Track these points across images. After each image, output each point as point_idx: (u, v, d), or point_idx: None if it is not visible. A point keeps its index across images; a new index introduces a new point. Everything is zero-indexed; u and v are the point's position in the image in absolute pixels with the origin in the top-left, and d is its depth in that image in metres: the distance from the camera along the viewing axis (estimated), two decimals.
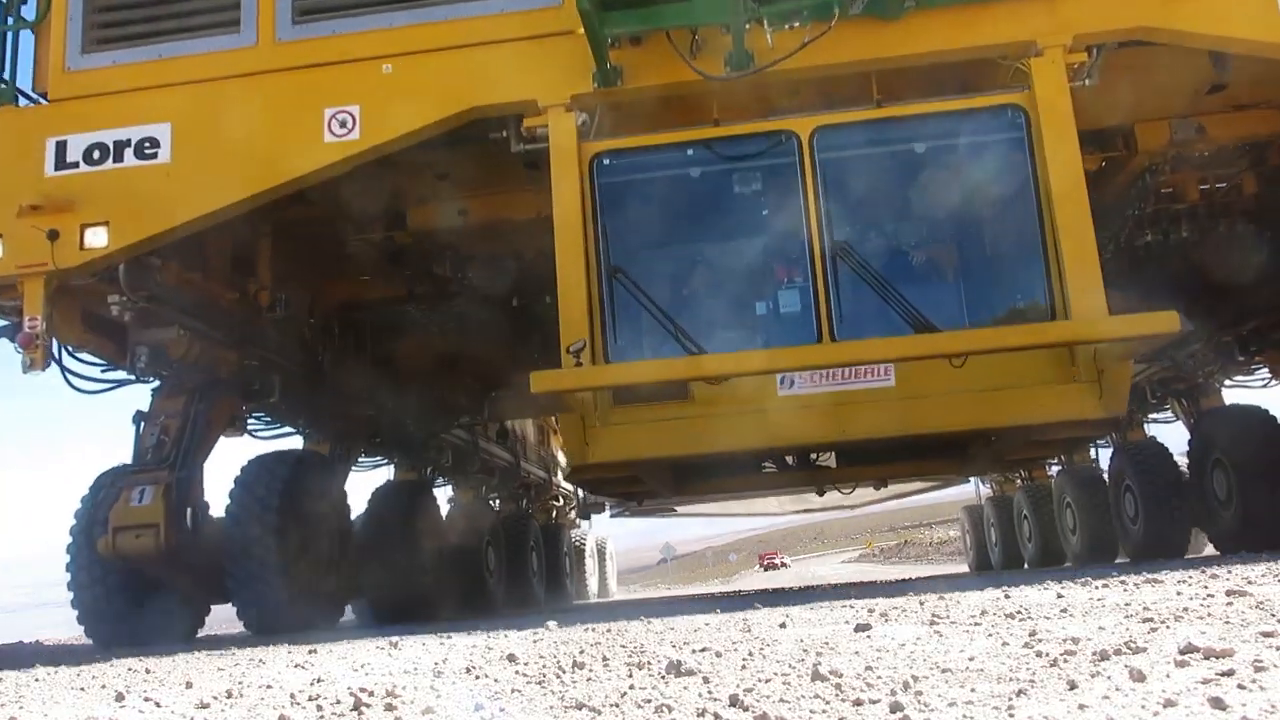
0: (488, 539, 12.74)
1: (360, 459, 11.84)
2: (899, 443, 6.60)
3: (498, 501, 15.93)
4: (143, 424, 8.09)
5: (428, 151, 8.35)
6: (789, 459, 8.58)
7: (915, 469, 10.29)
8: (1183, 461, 11.73)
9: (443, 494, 14.35)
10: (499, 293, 9.72)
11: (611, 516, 17.11)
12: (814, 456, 8.55)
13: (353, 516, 10.00)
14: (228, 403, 8.59)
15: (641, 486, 8.31)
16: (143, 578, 7.77)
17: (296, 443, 10.47)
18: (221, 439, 9.51)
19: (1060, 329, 5.97)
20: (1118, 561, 13.33)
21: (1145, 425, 14.36)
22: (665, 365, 6.06)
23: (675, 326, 6.30)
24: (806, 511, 18.89)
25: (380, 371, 10.78)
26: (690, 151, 6.68)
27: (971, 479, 23.73)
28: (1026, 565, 17.41)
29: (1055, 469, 18.01)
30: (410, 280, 10.08)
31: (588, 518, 18.85)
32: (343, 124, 6.73)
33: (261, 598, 7.80)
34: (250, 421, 9.87)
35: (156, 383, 8.39)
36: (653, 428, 6.38)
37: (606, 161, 6.64)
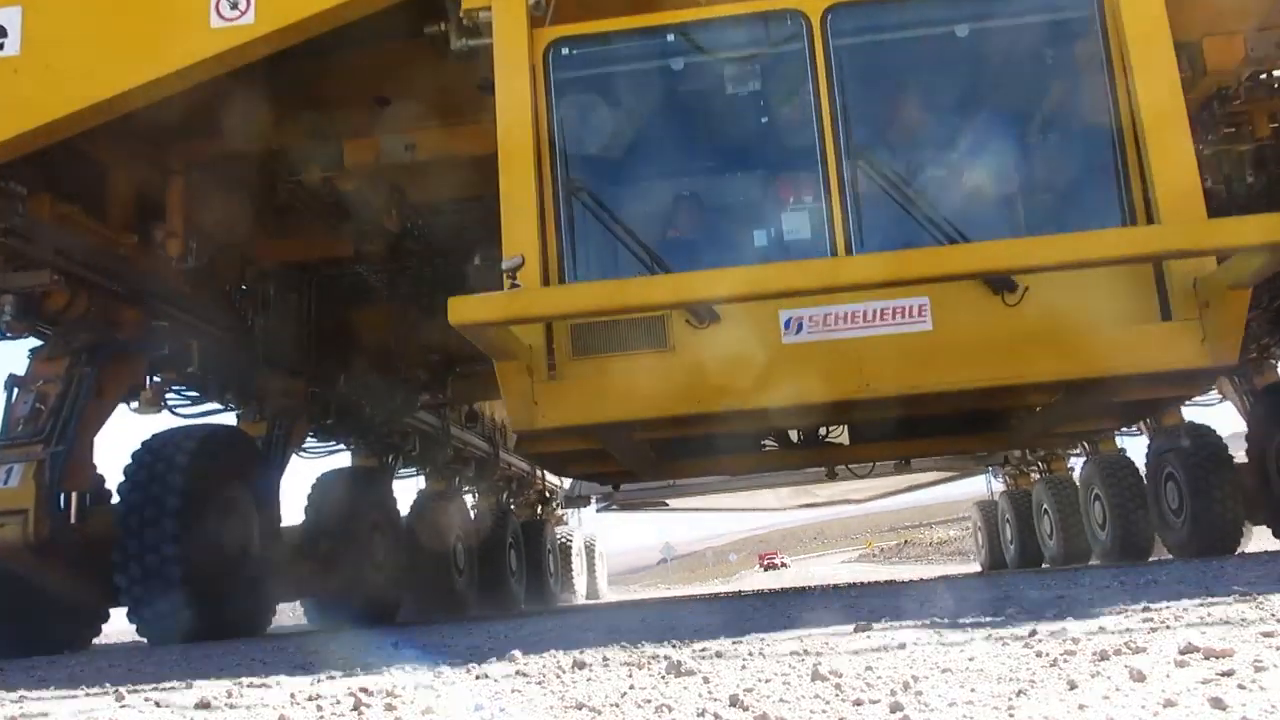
0: (457, 534, 11.25)
1: (308, 443, 10.35)
2: (931, 399, 5.04)
3: (474, 494, 14.45)
4: (15, 390, 6.61)
5: (359, 62, 6.89)
6: (794, 434, 7.10)
7: (942, 445, 8.67)
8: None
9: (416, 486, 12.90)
10: (458, 248, 8.24)
11: (597, 511, 15.67)
12: (823, 432, 7.07)
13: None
14: (125, 369, 7.11)
15: (613, 466, 6.80)
16: (12, 577, 6.29)
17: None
18: (142, 417, 8.10)
19: (1158, 234, 4.45)
20: (1152, 560, 11.95)
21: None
22: (625, 288, 4.53)
23: (647, 251, 4.82)
24: (809, 506, 17.37)
25: (327, 343, 9.32)
26: (670, 38, 5.19)
27: (984, 473, 22.40)
28: (1047, 564, 15.93)
29: (1079, 459, 16.63)
30: (357, 236, 8.60)
31: (577, 509, 17.37)
32: (233, 4, 5.27)
33: (152, 598, 6.33)
34: (171, 396, 8.39)
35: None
36: (622, 384, 4.90)
37: (566, 51, 5.16)
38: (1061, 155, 5.27)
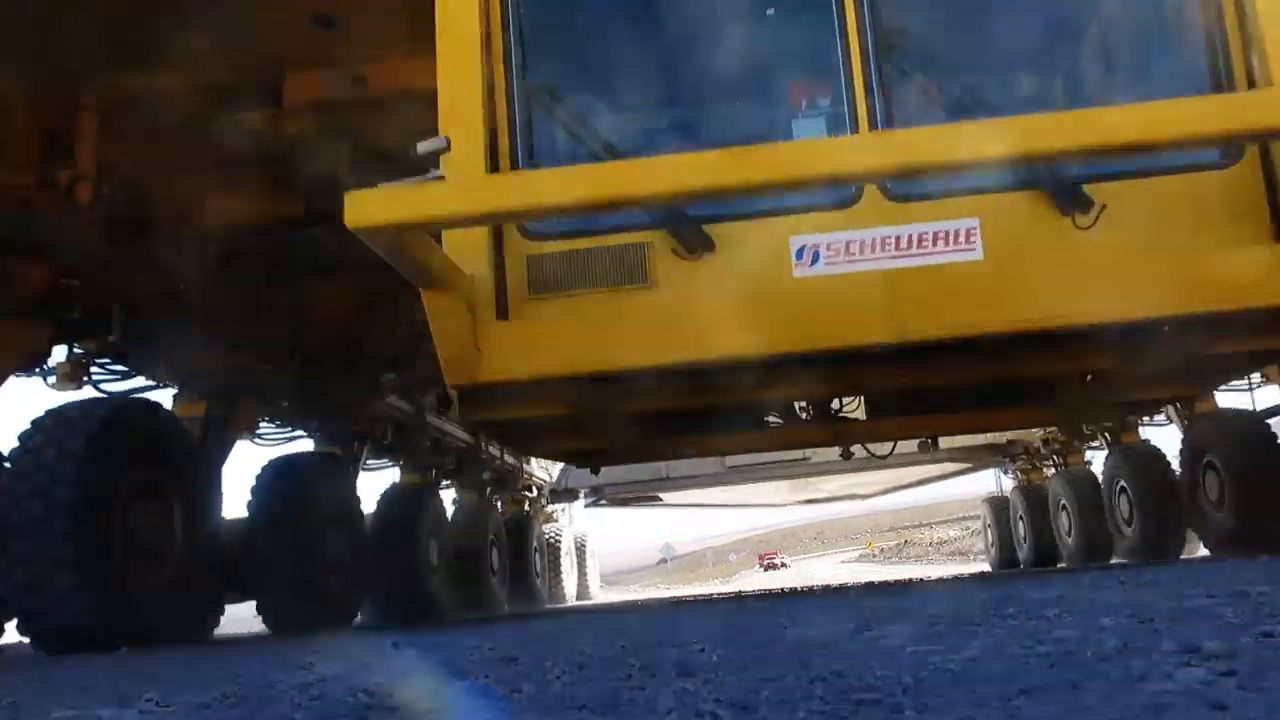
0: (429, 530, 10.17)
1: (265, 429, 9.28)
2: (978, 342, 3.90)
3: (457, 489, 13.36)
4: None
5: None
6: (800, 408, 6.02)
7: (977, 420, 7.45)
8: None
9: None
10: None
11: (586, 506, 14.61)
12: (836, 406, 5.99)
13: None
14: (15, 335, 6.02)
15: (586, 443, 5.69)
16: None
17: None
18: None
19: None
20: (1185, 557, 10.91)
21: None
22: (599, 175, 3.37)
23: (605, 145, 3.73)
24: (811, 502, 16.28)
25: (277, 314, 8.24)
26: None
27: (993, 469, 21.30)
28: (1065, 563, 14.85)
29: (1100, 453, 15.56)
30: (308, 191, 7.49)
31: (566, 504, 16.30)
32: None
33: (42, 607, 5.26)
34: (97, 371, 7.31)
35: None
36: (590, 328, 3.81)
37: None
38: (1137, 30, 4.17)
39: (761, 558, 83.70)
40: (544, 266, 3.88)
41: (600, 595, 18.75)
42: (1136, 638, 2.38)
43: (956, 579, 10.07)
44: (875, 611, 4.18)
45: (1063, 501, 14.63)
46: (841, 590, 8.96)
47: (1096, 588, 4.80)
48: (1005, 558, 18.49)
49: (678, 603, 10.12)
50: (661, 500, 12.94)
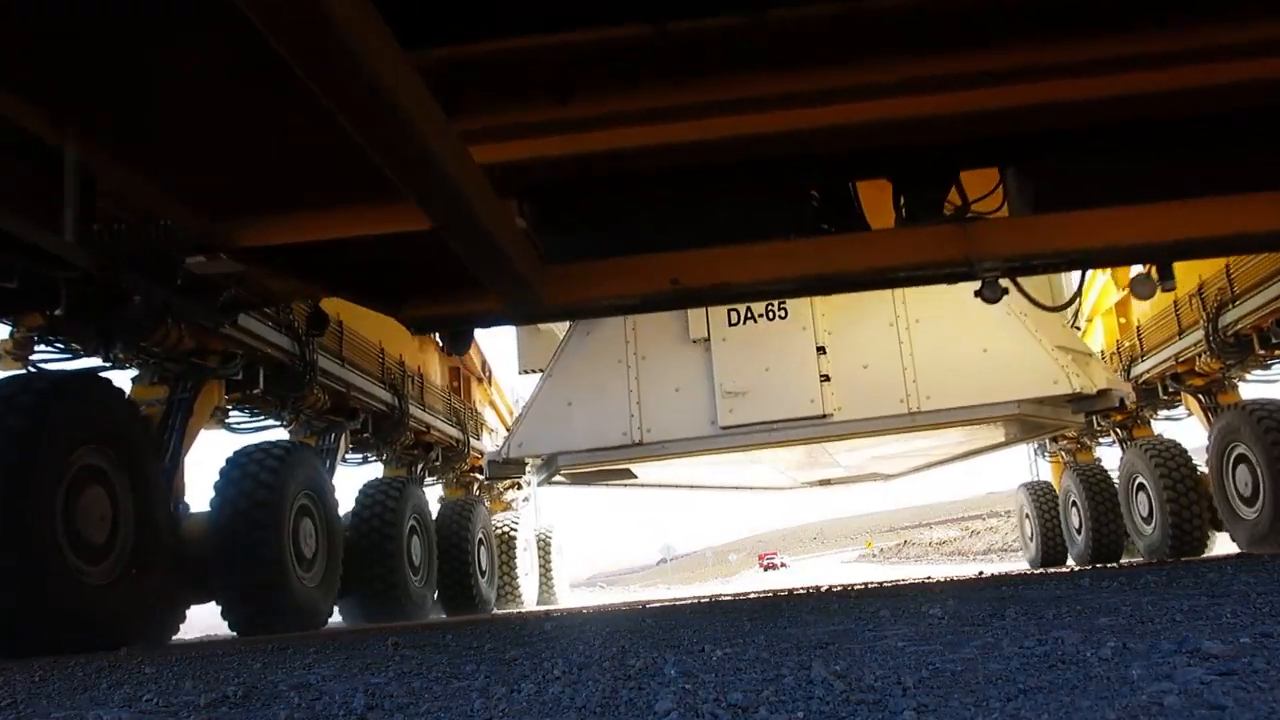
0: (296, 506, 6.90)
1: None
2: None
3: (377, 462, 10.07)
4: None
5: None
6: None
7: (1189, 218, 3.96)
8: None
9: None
10: None
11: (538, 484, 11.42)
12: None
13: None
14: None
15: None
16: None
17: None
18: None
19: None
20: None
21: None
22: None
23: None
24: (824, 484, 12.90)
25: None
26: None
27: (1028, 448, 17.98)
28: (1143, 557, 11.54)
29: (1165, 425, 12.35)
30: None
31: (508, 479, 13.08)
32: None
33: None
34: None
35: None
36: None
37: None
38: None
39: (761, 558, 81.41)
40: None
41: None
42: (1137, 637, 2.34)
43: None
44: (875, 610, 4.10)
45: (1141, 480, 11.35)
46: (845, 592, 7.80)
47: (1097, 588, 4.70)
48: (1050, 553, 15.16)
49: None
50: (635, 478, 9.58)
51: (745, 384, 8.27)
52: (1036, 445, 17.47)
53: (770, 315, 8.37)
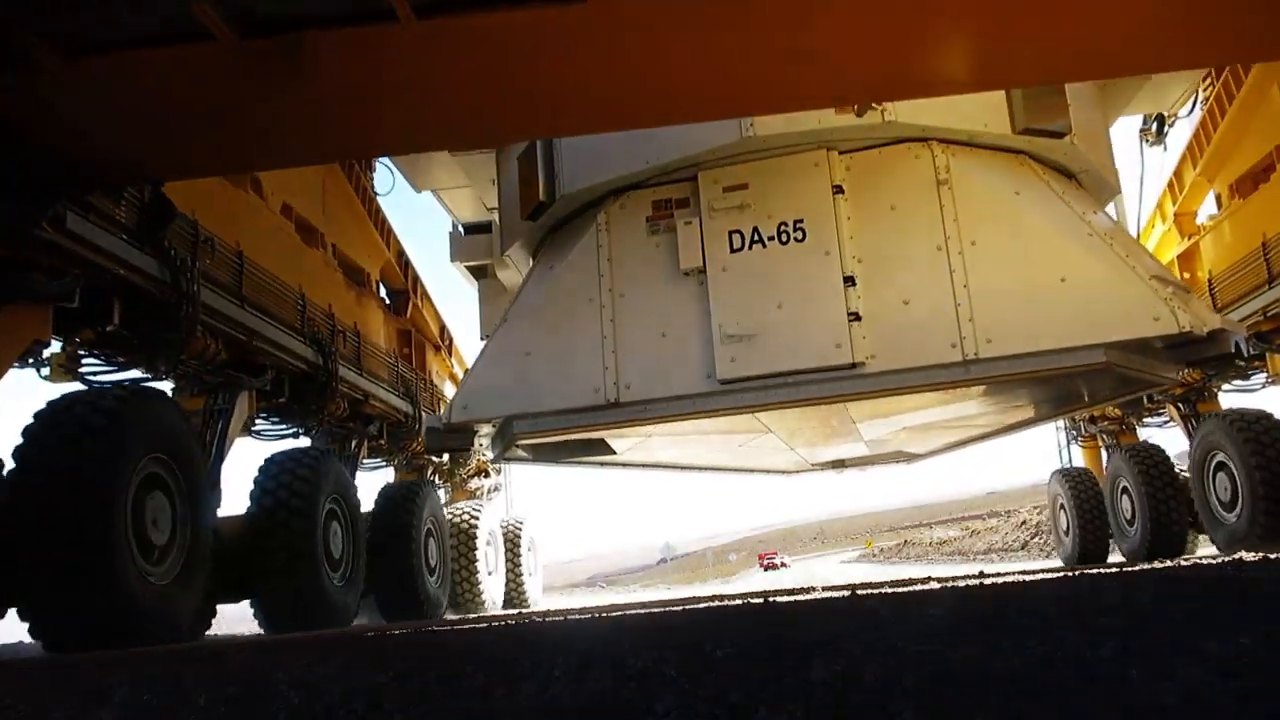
0: (136, 478, 4.95)
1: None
2: None
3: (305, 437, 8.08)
4: None
5: None
6: None
7: None
8: None
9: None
10: None
11: (493, 461, 9.49)
12: None
13: None
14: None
15: None
16: None
17: None
18: None
19: None
20: None
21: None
22: None
23: None
24: (837, 467, 10.85)
25: None
26: None
27: (1057, 433, 16.01)
28: (1222, 549, 9.53)
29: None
30: None
31: (493, 481, 11.11)
32: None
33: None
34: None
35: None
36: None
37: None
38: None
39: (761, 557, 79.55)
40: None
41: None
42: (1137, 637, 2.24)
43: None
44: (876, 610, 3.84)
45: (1220, 458, 9.33)
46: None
47: (1097, 587, 4.36)
48: (1090, 549, 13.14)
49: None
50: (613, 453, 7.58)
51: (751, 326, 6.28)
52: (1069, 426, 15.50)
53: (784, 237, 6.39)
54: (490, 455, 7.56)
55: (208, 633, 6.48)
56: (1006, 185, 6.52)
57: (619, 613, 5.66)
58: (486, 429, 6.93)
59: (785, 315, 6.27)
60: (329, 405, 7.70)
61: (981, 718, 1.58)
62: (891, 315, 6.24)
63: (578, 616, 5.36)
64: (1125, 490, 11.98)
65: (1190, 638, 2.12)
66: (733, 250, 6.41)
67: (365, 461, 9.19)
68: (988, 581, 6.20)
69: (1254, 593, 3.37)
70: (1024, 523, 38.81)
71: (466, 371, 7.37)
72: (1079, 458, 15.69)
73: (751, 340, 6.27)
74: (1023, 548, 32.18)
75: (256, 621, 6.86)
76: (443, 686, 2.27)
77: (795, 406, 6.40)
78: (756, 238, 6.41)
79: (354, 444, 8.09)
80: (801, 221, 6.38)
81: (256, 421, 7.59)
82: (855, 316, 6.21)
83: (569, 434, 6.71)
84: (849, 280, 6.25)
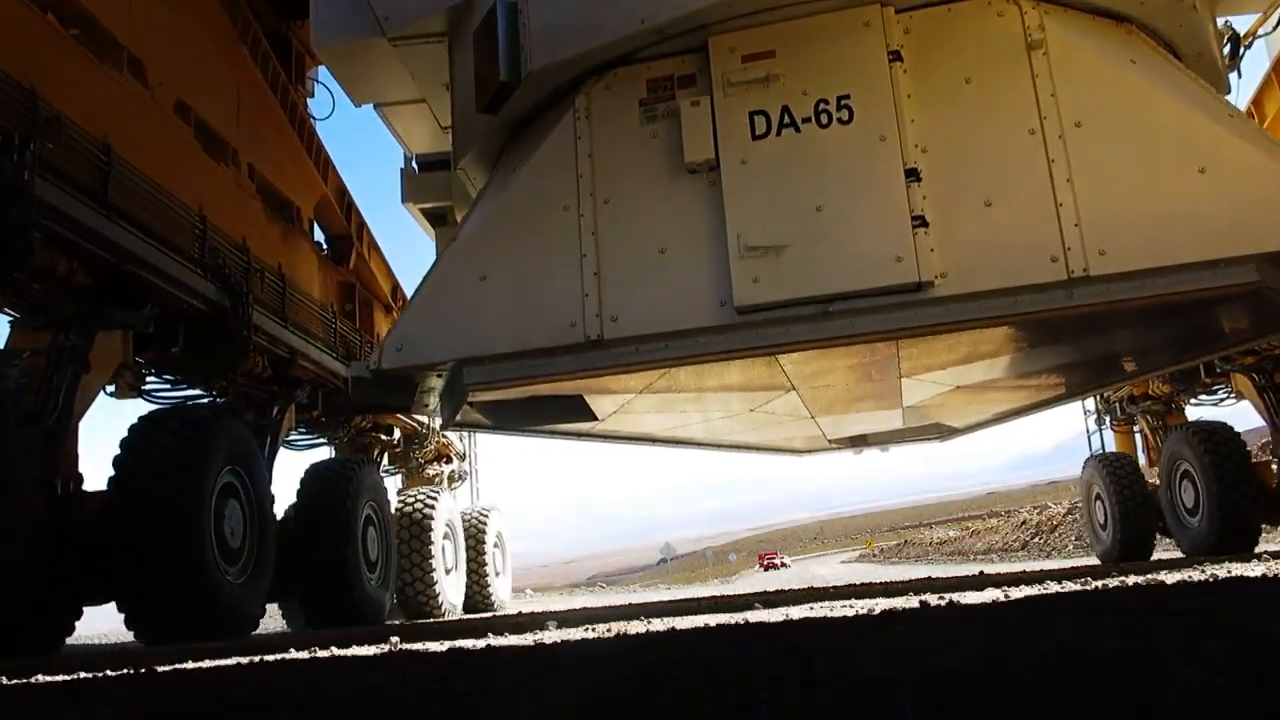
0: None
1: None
2: None
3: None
4: None
5: None
6: None
7: None
8: None
9: None
10: None
11: (444, 428, 7.84)
12: None
13: None
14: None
15: None
16: None
17: None
18: None
19: None
20: None
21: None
22: None
23: None
24: (857, 446, 9.14)
25: None
26: None
27: (1086, 416, 14.37)
28: None
29: None
30: None
31: (453, 464, 9.40)
32: None
33: None
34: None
35: None
36: None
37: None
38: None
39: (761, 557, 78.31)
40: None
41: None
42: (1136, 637, 2.24)
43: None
44: (875, 610, 3.75)
45: None
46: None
47: (1097, 588, 4.27)
48: (1133, 543, 11.41)
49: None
50: (595, 419, 5.85)
51: (780, 235, 4.59)
52: (1101, 407, 13.80)
53: (824, 119, 4.69)
54: (440, 420, 5.85)
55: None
56: (1119, 52, 4.83)
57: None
58: (432, 381, 5.22)
59: (826, 220, 4.58)
60: (242, 360, 5.99)
61: None
62: (969, 220, 4.55)
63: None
64: (1187, 475, 10.28)
65: None
66: (755, 137, 4.72)
67: (299, 440, 7.50)
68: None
69: None
70: (1024, 523, 37.97)
71: (405, 303, 5.67)
72: (1110, 443, 13.98)
73: (780, 255, 4.57)
74: (1023, 548, 31.35)
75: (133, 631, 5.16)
76: None
77: (842, 344, 4.68)
78: (787, 120, 4.72)
79: (275, 411, 6.39)
80: (847, 98, 4.68)
81: (148, 380, 5.90)
82: (920, 221, 4.52)
83: (535, 385, 5.00)
84: (912, 174, 4.56)
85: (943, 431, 8.84)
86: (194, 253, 5.63)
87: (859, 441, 9.25)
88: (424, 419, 8.88)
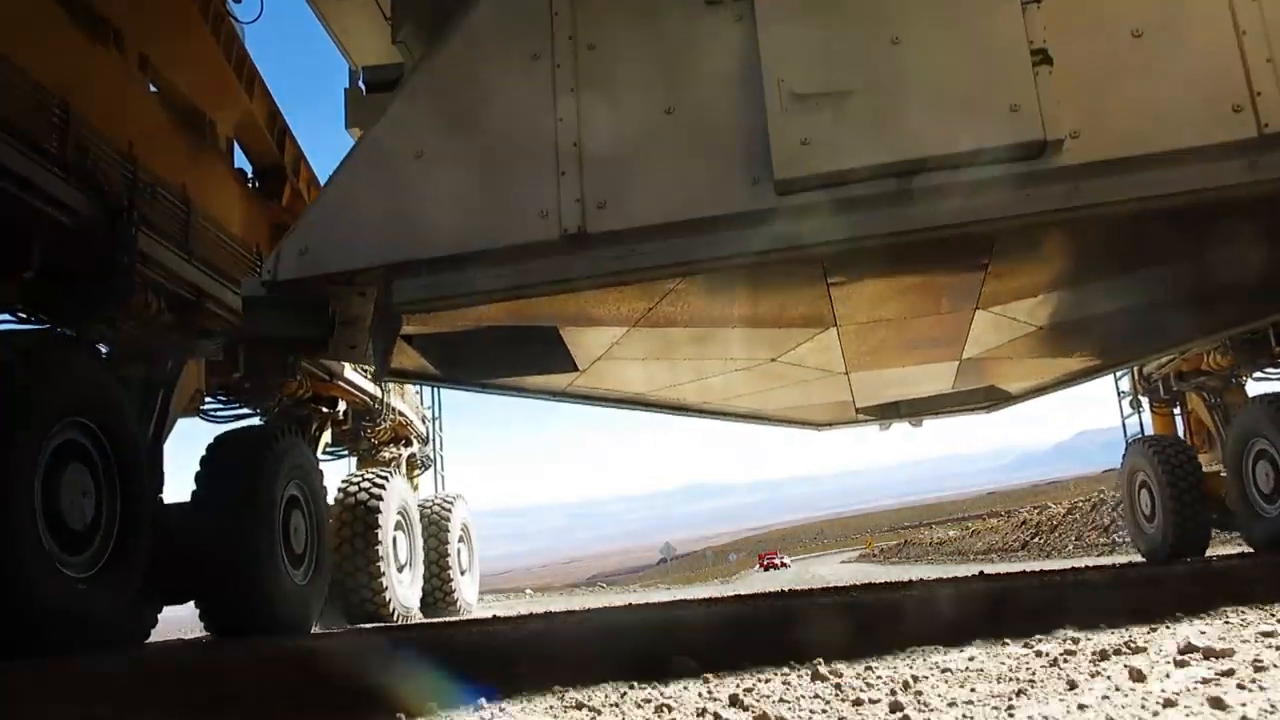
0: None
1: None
2: None
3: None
4: None
5: None
6: None
7: None
8: None
9: None
10: None
11: (378, 377, 6.42)
12: None
13: None
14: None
15: None
16: None
17: None
18: None
19: None
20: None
21: None
22: None
23: None
24: (884, 420, 7.66)
25: None
26: None
27: (1118, 397, 12.82)
28: None
29: None
30: None
31: (414, 447, 7.96)
32: None
33: None
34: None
35: None
36: None
37: None
38: None
39: (761, 557, 77.27)
40: None
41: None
42: (1136, 637, 2.23)
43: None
44: (875, 610, 3.88)
45: None
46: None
47: (1096, 588, 4.45)
48: (1187, 536, 9.95)
49: None
50: (574, 368, 4.42)
51: (838, 80, 3.16)
52: (1141, 386, 12.26)
53: None
54: (372, 364, 4.39)
55: None
56: None
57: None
58: (356, 305, 3.76)
59: (904, 58, 3.14)
60: (125, 297, 4.54)
61: None
62: (1111, 59, 3.12)
63: None
64: (1264, 455, 8.83)
65: None
66: None
67: (217, 411, 6.10)
68: None
69: None
70: (1024, 522, 37.09)
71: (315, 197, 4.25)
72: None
73: (840, 104, 3.13)
74: (1023, 548, 30.53)
75: None
76: None
77: (937, 232, 3.20)
78: None
79: (171, 365, 4.95)
80: None
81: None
82: (1043, 57, 3.08)
83: (492, 307, 3.55)
84: None
85: (994, 398, 7.33)
86: (50, 147, 4.19)
87: (890, 412, 7.72)
88: (375, 390, 7.45)
